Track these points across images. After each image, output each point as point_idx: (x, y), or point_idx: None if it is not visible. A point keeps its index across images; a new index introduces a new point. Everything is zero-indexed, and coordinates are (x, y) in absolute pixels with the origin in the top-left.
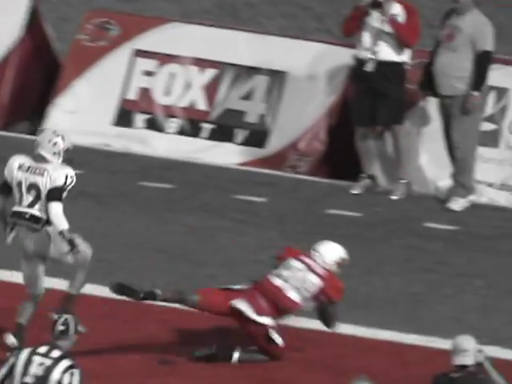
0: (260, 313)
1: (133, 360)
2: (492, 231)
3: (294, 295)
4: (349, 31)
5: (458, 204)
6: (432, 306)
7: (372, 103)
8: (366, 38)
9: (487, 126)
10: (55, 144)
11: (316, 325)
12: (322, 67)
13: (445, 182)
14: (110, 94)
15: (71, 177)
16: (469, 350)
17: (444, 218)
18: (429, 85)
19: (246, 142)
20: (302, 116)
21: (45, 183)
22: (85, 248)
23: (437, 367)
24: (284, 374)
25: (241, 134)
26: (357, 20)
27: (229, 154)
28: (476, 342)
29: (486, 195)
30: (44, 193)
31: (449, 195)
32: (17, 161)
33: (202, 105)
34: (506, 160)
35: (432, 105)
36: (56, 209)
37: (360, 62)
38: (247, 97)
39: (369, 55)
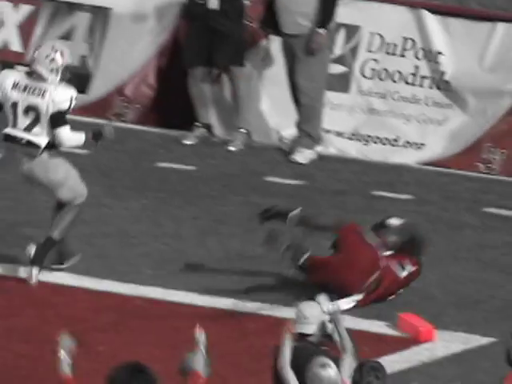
0: None
1: None
2: (342, 186)
3: None
4: None
5: (303, 156)
6: (275, 270)
7: (208, 43)
8: None
9: (336, 69)
10: (53, 60)
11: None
12: (150, 3)
13: (289, 131)
14: None
15: (75, 99)
16: (310, 317)
17: (288, 171)
18: (271, 22)
19: None
20: (128, 58)
21: (46, 106)
22: (79, 186)
23: (277, 338)
24: (107, 347)
25: None
26: None
27: None
28: (321, 310)
29: (335, 146)
30: (45, 116)
31: (293, 146)
32: (10, 77)
33: (15, 45)
34: (357, 106)
35: (275, 45)
36: (66, 134)
37: None
38: (67, 36)
39: None
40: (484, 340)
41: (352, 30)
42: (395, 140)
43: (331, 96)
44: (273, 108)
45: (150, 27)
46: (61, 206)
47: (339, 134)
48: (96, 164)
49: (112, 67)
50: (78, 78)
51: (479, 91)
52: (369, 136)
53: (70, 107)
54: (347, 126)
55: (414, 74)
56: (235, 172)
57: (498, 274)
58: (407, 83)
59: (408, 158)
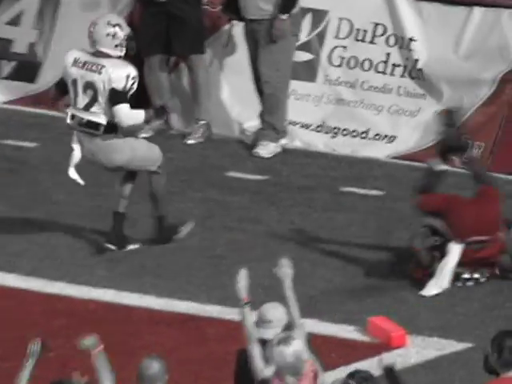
0: None
1: None
2: (308, 182)
3: None
4: None
5: (267, 149)
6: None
7: (165, 29)
8: None
9: (302, 56)
10: (114, 35)
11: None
12: None
13: (251, 123)
14: None
15: (133, 78)
16: (273, 320)
17: (251, 166)
18: (233, 6)
19: (14, 76)
20: (78, 45)
21: (102, 83)
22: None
23: (240, 343)
24: (57, 353)
25: (7, 67)
26: None
27: None
28: (285, 312)
29: (301, 139)
30: (102, 94)
31: (256, 139)
32: (72, 54)
33: None
34: (324, 96)
35: (238, 31)
36: (124, 112)
37: None
38: (15, 22)
39: None
40: (460, 346)
41: (319, 15)
42: (365, 132)
43: (297, 85)
44: (234, 98)
45: (101, 13)
46: (129, 178)
47: (305, 126)
48: (45, 158)
49: (62, 55)
50: (26, 66)
51: (454, 80)
52: (337, 128)
53: (126, 87)
54: (314, 118)
55: (385, 62)
56: (194, 166)
57: None
58: (378, 72)
59: (379, 151)
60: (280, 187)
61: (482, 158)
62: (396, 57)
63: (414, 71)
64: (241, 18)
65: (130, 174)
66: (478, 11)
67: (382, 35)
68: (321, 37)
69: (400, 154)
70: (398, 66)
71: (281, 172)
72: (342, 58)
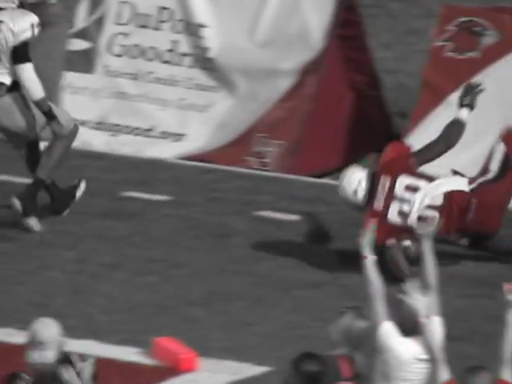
0: None
1: None
2: (86, 185)
3: None
4: None
5: None
6: (6, 286)
7: None
8: None
9: (77, 45)
10: None
11: None
12: None
13: None
14: None
15: (37, 25)
16: (48, 342)
17: (19, 168)
18: None
19: None
20: None
21: (5, 40)
22: (66, 120)
23: (16, 367)
24: None
25: None
26: None
27: None
28: (60, 330)
29: (77, 137)
30: (5, 52)
31: None
32: None
33: None
34: (103, 90)
35: None
36: (27, 72)
37: None
38: None
39: None
40: (257, 369)
41: None
42: (150, 130)
43: (72, 77)
44: None
45: None
46: (32, 146)
47: (82, 124)
48: None
49: None
50: None
51: (250, 71)
52: (118, 125)
53: (32, 36)
54: (91, 114)
55: (171, 51)
56: None
57: (274, 290)
58: (164, 62)
59: (165, 151)
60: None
61: (282, 158)
62: (184, 45)
63: (204, 61)
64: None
65: (32, 151)
66: None
67: (169, 21)
68: (99, 23)
69: (189, 154)
70: (187, 55)
71: (55, 175)
72: (123, 47)
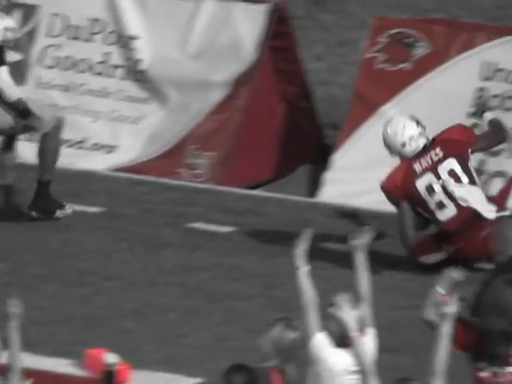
0: None
1: None
2: (16, 198)
3: None
4: None
5: None
6: None
7: None
8: None
9: (9, 57)
10: None
11: None
12: None
13: None
14: None
15: (12, 29)
16: None
17: None
18: None
19: None
20: None
21: None
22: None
23: None
24: None
25: None
26: None
27: None
28: None
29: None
30: None
31: None
32: None
33: None
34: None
35: None
36: (2, 75)
37: None
38: None
39: None
40: (189, 381)
41: (29, 11)
42: (81, 142)
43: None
44: None
45: None
46: (8, 144)
47: None
48: None
49: None
50: None
51: (182, 83)
52: None
53: (5, 39)
54: None
55: (103, 63)
56: None
57: (206, 301)
58: (95, 74)
59: (97, 163)
60: None
61: (214, 170)
62: (116, 57)
63: (136, 73)
64: None
65: (8, 143)
66: (207, 5)
67: (101, 32)
68: (31, 35)
69: (121, 165)
70: (119, 67)
71: None
72: (55, 59)
